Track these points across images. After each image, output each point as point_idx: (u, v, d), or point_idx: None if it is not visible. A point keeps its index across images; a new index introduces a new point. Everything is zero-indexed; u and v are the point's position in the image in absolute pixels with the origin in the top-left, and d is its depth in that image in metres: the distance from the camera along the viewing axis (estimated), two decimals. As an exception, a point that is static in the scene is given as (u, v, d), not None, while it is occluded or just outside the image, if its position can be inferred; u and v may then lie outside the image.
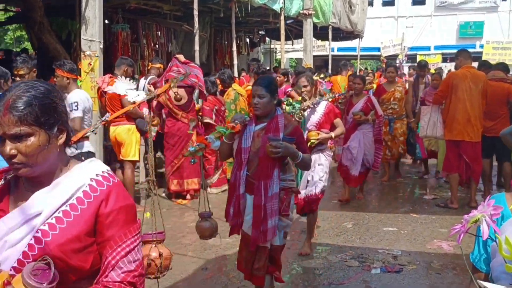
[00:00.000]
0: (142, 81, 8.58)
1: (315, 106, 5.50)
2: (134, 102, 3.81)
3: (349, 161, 7.29)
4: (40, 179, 1.68)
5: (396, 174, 9.44)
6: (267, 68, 15.01)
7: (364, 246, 5.69)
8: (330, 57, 17.10)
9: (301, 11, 13.35)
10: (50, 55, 9.64)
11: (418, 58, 27.40)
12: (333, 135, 5.55)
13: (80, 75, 5.31)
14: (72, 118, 5.06)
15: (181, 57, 6.88)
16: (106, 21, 10.74)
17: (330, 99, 6.22)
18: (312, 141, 5.26)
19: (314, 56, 15.61)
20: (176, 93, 7.27)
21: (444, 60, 27.16)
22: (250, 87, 9.12)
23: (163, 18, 13.09)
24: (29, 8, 9.61)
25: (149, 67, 8.74)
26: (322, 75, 10.33)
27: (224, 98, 8.34)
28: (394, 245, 5.71)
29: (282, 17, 12.52)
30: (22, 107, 1.58)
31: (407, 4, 31.05)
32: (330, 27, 15.39)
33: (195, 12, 9.52)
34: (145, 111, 7.52)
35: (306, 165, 4.01)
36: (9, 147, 1.59)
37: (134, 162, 6.99)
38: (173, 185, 7.60)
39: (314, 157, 5.24)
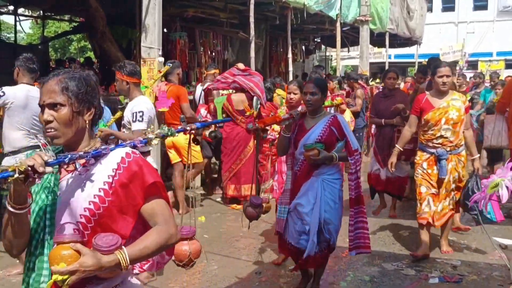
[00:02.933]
0: (199, 88, 8.73)
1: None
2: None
3: (296, 234, 4.22)
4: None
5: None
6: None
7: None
8: (387, 64, 16.84)
9: (357, 18, 13.25)
10: (111, 62, 9.98)
11: (480, 65, 26.63)
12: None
13: (139, 79, 4.98)
14: (134, 129, 4.60)
15: (240, 65, 6.94)
16: (165, 30, 11.01)
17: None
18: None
19: (371, 63, 15.44)
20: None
21: (508, 66, 26.20)
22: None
23: (220, 26, 13.30)
24: (92, 18, 10.02)
25: (205, 75, 8.90)
26: (378, 80, 10.21)
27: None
28: (453, 255, 5.52)
29: (338, 24, 12.47)
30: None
31: (468, 9, 30.23)
32: (387, 33, 15.19)
33: (251, 20, 9.62)
34: (202, 112, 7.65)
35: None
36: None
37: (195, 164, 7.12)
38: (230, 190, 7.63)
39: None
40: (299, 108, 4.66)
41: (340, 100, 5.34)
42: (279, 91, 8.63)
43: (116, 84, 4.99)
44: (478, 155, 5.43)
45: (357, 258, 5.42)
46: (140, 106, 4.63)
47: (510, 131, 6.92)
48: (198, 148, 7.01)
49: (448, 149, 5.19)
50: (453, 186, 5.30)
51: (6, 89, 4.80)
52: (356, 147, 4.11)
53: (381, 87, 9.16)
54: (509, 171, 1.45)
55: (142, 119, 4.57)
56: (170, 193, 6.65)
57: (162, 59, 5.78)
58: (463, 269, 5.10)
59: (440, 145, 5.20)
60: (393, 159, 5.56)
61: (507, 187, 1.46)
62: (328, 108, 6.10)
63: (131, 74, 4.73)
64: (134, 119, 4.60)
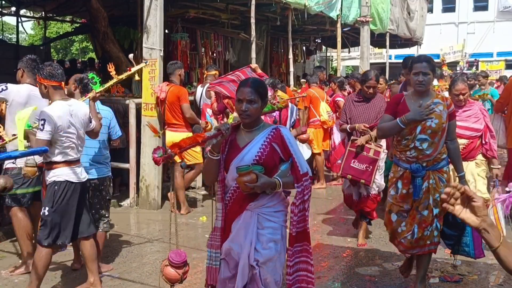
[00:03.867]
0: (199, 89, 8.76)
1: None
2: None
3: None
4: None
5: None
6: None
7: (421, 255, 5.56)
8: (387, 65, 16.87)
9: (358, 18, 13.27)
10: (113, 63, 10.00)
11: (480, 65, 26.65)
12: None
13: (62, 82, 4.29)
14: (36, 138, 4.13)
15: (255, 65, 6.93)
16: (166, 30, 11.04)
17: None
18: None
19: (371, 64, 15.44)
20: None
21: (508, 67, 26.21)
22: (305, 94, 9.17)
23: (221, 27, 13.33)
24: (94, 19, 10.05)
25: (205, 75, 8.94)
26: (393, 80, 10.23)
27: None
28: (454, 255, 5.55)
29: (338, 25, 12.50)
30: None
31: (469, 10, 30.25)
32: (388, 34, 15.21)
33: (252, 21, 9.65)
34: (209, 111, 7.68)
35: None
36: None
37: (195, 165, 7.17)
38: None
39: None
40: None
41: (284, 102, 4.36)
42: (279, 93, 8.65)
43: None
44: (464, 172, 4.53)
45: (357, 258, 5.46)
46: (45, 114, 4.10)
47: (508, 131, 6.96)
48: (198, 149, 7.05)
49: (425, 164, 4.23)
50: (435, 211, 4.24)
51: (10, 85, 4.94)
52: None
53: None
54: None
55: (43, 127, 4.07)
56: (170, 194, 6.69)
57: (131, 55, 5.71)
58: (463, 269, 5.13)
59: (414, 159, 4.23)
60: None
61: None
62: (291, 115, 5.68)
63: (49, 76, 4.22)
64: (38, 126, 4.17)
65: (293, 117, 5.73)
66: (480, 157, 5.55)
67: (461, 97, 5.22)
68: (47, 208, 4.23)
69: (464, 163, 5.18)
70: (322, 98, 9.02)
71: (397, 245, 4.54)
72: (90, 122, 4.46)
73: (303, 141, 7.12)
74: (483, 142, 5.51)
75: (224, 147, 3.21)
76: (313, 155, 9.00)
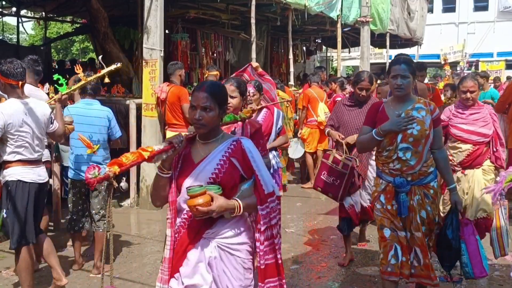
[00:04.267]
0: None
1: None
2: None
3: None
4: (207, 135, 2.66)
5: None
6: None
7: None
8: (387, 65, 16.85)
9: (358, 19, 13.28)
10: (113, 63, 10.01)
11: (480, 65, 26.65)
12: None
13: (20, 81, 4.10)
14: None
15: (255, 64, 6.91)
16: (166, 31, 11.06)
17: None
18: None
19: (371, 64, 15.46)
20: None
21: (508, 67, 26.21)
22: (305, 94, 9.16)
23: (221, 27, 13.35)
24: (95, 19, 10.06)
25: (206, 76, 8.95)
26: (379, 81, 10.19)
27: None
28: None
29: (339, 25, 12.52)
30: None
31: (469, 10, 30.25)
32: (388, 34, 15.22)
33: (252, 21, 9.66)
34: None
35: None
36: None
37: None
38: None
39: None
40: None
41: (248, 111, 3.39)
42: (279, 92, 8.66)
43: None
44: (455, 184, 4.09)
45: (356, 258, 5.46)
46: None
47: (510, 131, 6.97)
48: None
49: (409, 178, 3.78)
50: (422, 229, 3.81)
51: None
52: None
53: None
54: None
55: None
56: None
57: (100, 57, 5.71)
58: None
59: (398, 172, 3.80)
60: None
61: None
62: (277, 122, 5.03)
63: (6, 74, 4.04)
64: None
65: (279, 124, 5.00)
66: (488, 163, 5.04)
67: (468, 95, 4.88)
68: (4, 210, 4.20)
69: (470, 171, 5.02)
70: (321, 99, 9.02)
71: (385, 269, 3.84)
72: (52, 123, 4.31)
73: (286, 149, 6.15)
74: (494, 149, 5.05)
75: (176, 162, 2.70)
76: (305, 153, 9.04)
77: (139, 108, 7.54)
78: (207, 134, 2.67)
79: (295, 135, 9.33)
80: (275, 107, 5.14)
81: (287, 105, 8.78)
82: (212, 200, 2.49)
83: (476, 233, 4.03)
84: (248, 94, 4.26)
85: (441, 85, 11.05)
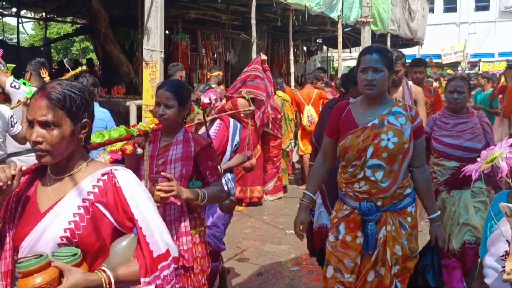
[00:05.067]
0: (201, 89, 8.75)
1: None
2: None
3: None
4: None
5: None
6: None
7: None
8: (388, 65, 16.84)
9: (359, 19, 13.27)
10: (113, 64, 10.03)
11: (481, 65, 26.63)
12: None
13: None
14: None
15: (265, 60, 6.84)
16: (167, 31, 11.05)
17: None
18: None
19: (372, 64, 15.42)
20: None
21: (510, 67, 26.16)
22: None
23: (222, 28, 13.34)
24: (95, 19, 10.06)
25: (208, 77, 8.94)
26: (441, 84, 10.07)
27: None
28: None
29: (339, 25, 12.50)
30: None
31: (470, 10, 30.25)
32: (389, 34, 15.20)
33: (253, 21, 9.65)
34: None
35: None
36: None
37: None
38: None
39: None
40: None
41: (152, 122, 2.87)
42: (279, 93, 8.63)
43: None
44: (438, 212, 3.07)
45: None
46: None
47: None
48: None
49: (380, 202, 2.83)
50: (395, 268, 2.83)
51: (22, 86, 4.89)
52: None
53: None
54: (508, 144, 1.41)
55: None
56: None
57: (66, 59, 5.75)
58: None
59: (365, 195, 2.84)
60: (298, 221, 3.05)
61: (507, 160, 1.39)
62: (233, 137, 4.21)
63: None
64: None
65: (236, 139, 4.17)
66: (479, 184, 3.82)
67: (455, 95, 3.95)
68: None
69: (457, 192, 4.03)
70: (308, 101, 8.84)
71: None
72: (12, 126, 4.35)
73: (247, 170, 4.92)
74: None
75: (12, 210, 1.73)
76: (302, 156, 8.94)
77: (139, 109, 7.53)
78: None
79: (295, 136, 9.29)
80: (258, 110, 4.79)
81: (288, 105, 8.74)
82: (61, 276, 1.56)
83: (464, 280, 3.29)
84: (209, 101, 3.66)
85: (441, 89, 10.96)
